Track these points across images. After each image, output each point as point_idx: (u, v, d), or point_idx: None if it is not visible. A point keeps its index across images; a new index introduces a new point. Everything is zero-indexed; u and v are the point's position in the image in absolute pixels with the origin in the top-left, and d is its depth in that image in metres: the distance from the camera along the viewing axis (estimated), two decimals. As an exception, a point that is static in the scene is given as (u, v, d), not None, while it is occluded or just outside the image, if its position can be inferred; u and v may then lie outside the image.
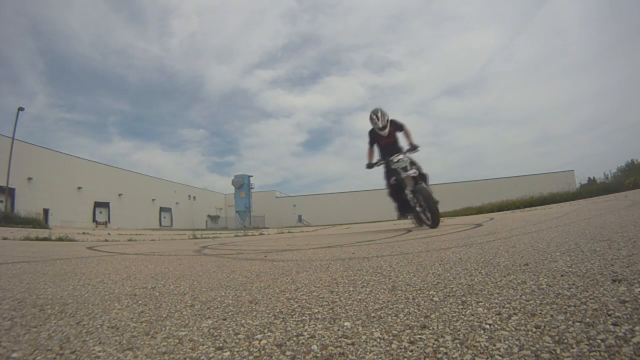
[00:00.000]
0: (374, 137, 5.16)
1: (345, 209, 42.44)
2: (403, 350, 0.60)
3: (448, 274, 1.20)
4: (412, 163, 4.91)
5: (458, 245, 2.06)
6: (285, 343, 0.67)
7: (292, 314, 0.87)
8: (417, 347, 0.61)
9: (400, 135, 5.18)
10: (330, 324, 0.77)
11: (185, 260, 2.49)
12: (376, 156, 5.24)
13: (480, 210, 16.83)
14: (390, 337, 0.66)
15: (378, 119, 4.96)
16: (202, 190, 48.39)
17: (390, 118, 5.04)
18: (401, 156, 4.85)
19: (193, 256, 2.83)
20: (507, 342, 0.59)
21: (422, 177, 4.87)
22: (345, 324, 0.76)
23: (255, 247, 3.63)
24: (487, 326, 0.67)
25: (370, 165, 5.20)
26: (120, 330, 0.82)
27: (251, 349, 0.66)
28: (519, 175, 39.37)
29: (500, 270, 1.17)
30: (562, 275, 1.00)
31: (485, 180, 40.88)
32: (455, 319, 0.72)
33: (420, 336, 0.65)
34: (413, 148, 4.95)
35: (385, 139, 5.08)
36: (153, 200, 37.81)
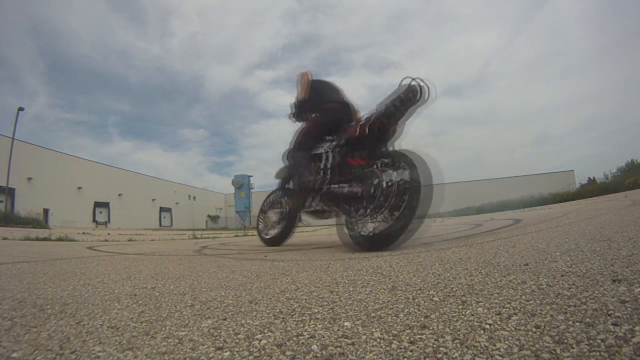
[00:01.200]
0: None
1: (345, 209, 42.25)
2: (403, 350, 0.60)
3: (448, 274, 1.19)
4: None
5: (458, 245, 2.05)
6: (285, 343, 0.67)
7: (292, 314, 0.87)
8: (417, 347, 0.61)
9: None
10: (330, 324, 0.77)
11: (185, 260, 2.49)
12: None
13: (480, 210, 16.85)
14: (390, 337, 0.66)
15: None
16: (202, 190, 48.39)
17: None
18: None
19: (193, 256, 2.83)
20: (507, 342, 0.59)
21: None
22: (345, 324, 0.76)
23: (256, 247, 3.63)
24: (487, 326, 0.67)
25: None
26: (120, 330, 0.82)
27: (251, 349, 0.66)
28: (519, 175, 39.38)
29: (500, 270, 1.17)
30: (562, 275, 1.00)
31: (485, 180, 40.87)
32: (455, 319, 0.72)
33: (420, 336, 0.65)
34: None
35: None
36: (153, 200, 37.81)
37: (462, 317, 0.73)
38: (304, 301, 0.99)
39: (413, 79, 2.61)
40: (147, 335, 0.77)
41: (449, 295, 0.92)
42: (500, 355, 0.54)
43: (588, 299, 0.76)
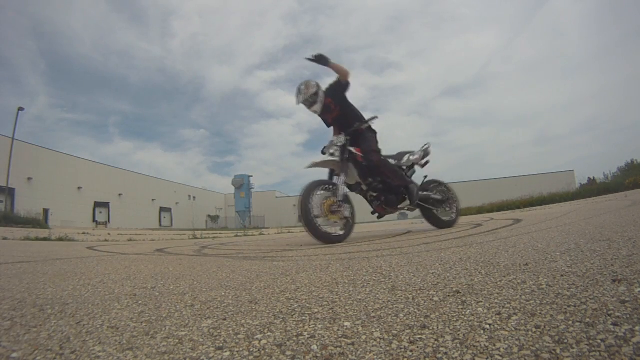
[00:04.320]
0: (321, 117, 3.86)
1: (345, 209, 42.22)
2: (403, 350, 0.60)
3: (448, 274, 1.19)
4: (363, 140, 3.58)
5: (458, 245, 2.05)
6: (285, 343, 0.67)
7: (292, 314, 0.87)
8: (417, 347, 0.61)
9: (353, 105, 3.77)
10: (330, 324, 0.77)
11: (185, 260, 2.49)
12: None
13: (480, 210, 16.85)
14: (390, 337, 0.66)
15: (300, 93, 3.57)
16: (202, 190, 48.38)
17: (326, 87, 3.65)
18: (335, 137, 3.59)
19: (193, 256, 2.83)
20: (507, 342, 0.59)
21: (369, 162, 3.51)
22: (345, 324, 0.76)
23: (255, 247, 3.63)
24: (487, 326, 0.67)
25: (323, 150, 3.74)
26: (120, 330, 0.82)
27: (251, 349, 0.65)
28: (519, 175, 39.41)
29: (500, 270, 1.17)
30: (562, 275, 1.00)
31: (485, 180, 40.89)
32: (455, 319, 0.72)
33: (420, 336, 0.65)
34: (360, 124, 3.63)
35: (330, 114, 3.75)
36: (153, 200, 37.81)
37: (462, 317, 0.73)
38: (304, 301, 0.99)
39: None
40: (147, 335, 0.77)
41: (449, 295, 0.92)
42: (500, 355, 0.54)
43: (588, 299, 0.76)
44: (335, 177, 3.52)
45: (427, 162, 4.12)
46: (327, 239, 3.18)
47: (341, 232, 3.33)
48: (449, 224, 4.15)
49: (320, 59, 3.42)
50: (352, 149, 3.55)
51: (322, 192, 3.33)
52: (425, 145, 4.15)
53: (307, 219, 3.10)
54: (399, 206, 3.87)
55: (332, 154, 3.51)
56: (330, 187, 3.41)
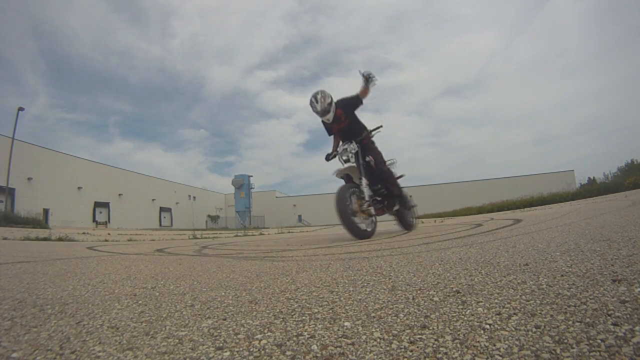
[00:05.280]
0: (326, 125, 4.17)
1: (345, 209, 42.29)
2: (403, 350, 0.60)
3: (448, 274, 1.19)
4: (368, 150, 3.96)
5: (458, 245, 2.05)
6: (285, 343, 0.67)
7: (292, 314, 0.87)
8: (417, 347, 0.61)
9: (358, 116, 4.12)
10: (330, 324, 0.77)
11: (185, 260, 2.49)
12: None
13: (480, 210, 16.88)
14: (390, 337, 0.66)
15: (317, 102, 3.83)
16: (202, 190, 48.37)
17: (336, 100, 3.93)
18: (347, 145, 3.91)
19: (193, 256, 2.83)
20: (507, 342, 0.59)
21: (381, 172, 3.96)
22: (345, 324, 0.76)
23: (255, 247, 3.63)
24: (487, 326, 0.67)
25: (326, 157, 4.22)
26: (120, 330, 0.82)
27: (251, 349, 0.65)
28: (519, 175, 39.38)
29: (500, 270, 1.17)
30: (562, 275, 1.00)
31: (485, 180, 40.90)
32: (455, 319, 0.72)
33: (420, 336, 0.65)
34: (368, 132, 4.00)
35: (337, 125, 4.04)
36: (153, 200, 37.80)
37: (462, 317, 0.73)
38: (304, 301, 0.99)
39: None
40: (147, 335, 0.77)
41: (449, 295, 0.92)
42: (500, 355, 0.54)
43: (588, 299, 0.76)
44: (359, 181, 3.88)
45: (402, 175, 4.63)
46: (362, 235, 3.47)
47: (370, 229, 3.64)
48: (414, 226, 4.87)
49: (368, 79, 3.82)
50: (368, 158, 3.94)
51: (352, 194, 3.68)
52: (390, 160, 4.58)
53: (346, 217, 3.38)
54: (393, 209, 4.47)
55: (346, 160, 3.92)
56: (356, 190, 3.74)
